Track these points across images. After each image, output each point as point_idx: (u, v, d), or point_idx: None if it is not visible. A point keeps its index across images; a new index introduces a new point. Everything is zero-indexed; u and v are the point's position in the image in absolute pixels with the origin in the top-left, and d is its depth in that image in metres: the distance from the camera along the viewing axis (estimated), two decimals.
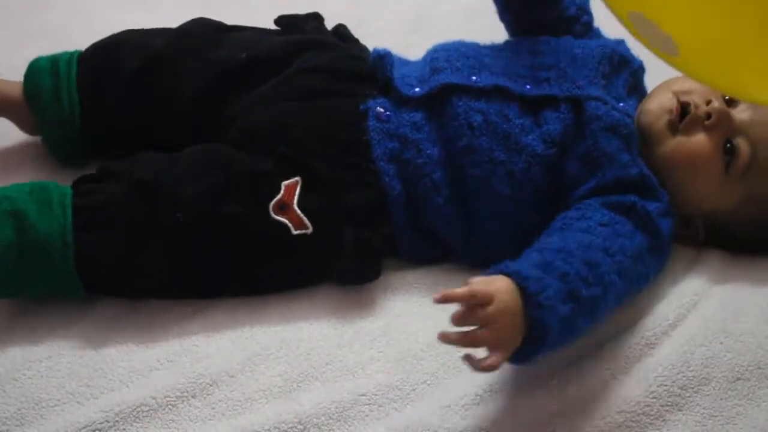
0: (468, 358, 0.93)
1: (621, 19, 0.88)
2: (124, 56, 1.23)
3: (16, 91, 1.24)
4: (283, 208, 1.11)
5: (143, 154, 1.16)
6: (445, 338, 0.94)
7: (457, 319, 0.94)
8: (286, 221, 1.11)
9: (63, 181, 1.14)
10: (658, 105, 1.18)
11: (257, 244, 1.11)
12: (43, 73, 1.23)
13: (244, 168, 1.13)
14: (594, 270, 1.02)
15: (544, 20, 1.30)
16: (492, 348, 0.94)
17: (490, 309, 0.94)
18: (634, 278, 1.08)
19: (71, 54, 1.25)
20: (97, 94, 1.22)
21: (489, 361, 0.93)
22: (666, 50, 0.84)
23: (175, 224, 1.09)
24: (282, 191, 1.12)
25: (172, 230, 1.09)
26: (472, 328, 0.94)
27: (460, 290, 0.94)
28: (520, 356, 0.98)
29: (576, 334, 1.03)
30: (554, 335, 0.97)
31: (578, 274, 1.00)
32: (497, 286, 0.96)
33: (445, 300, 0.93)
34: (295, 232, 1.11)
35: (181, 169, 1.13)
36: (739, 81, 0.86)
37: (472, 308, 0.94)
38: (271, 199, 1.11)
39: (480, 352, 0.94)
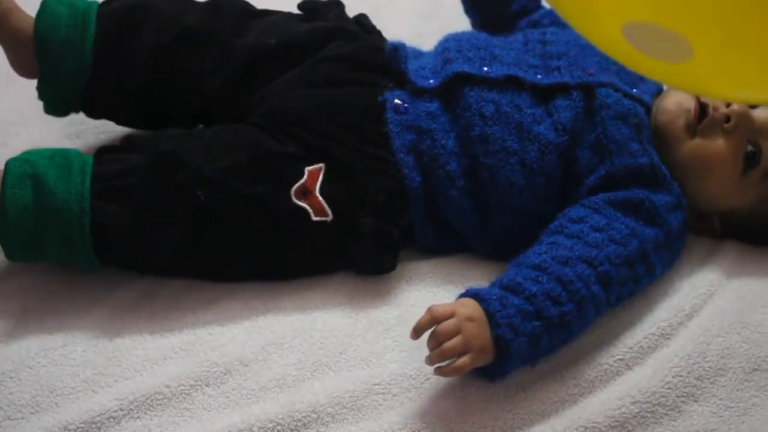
0: (438, 369, 1.00)
1: (602, 41, 0.83)
2: (149, 26, 1.20)
3: (28, 26, 1.19)
4: (305, 193, 1.11)
5: (167, 129, 1.15)
6: (429, 361, 1.01)
7: (430, 344, 1.01)
8: (307, 207, 1.11)
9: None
10: (675, 104, 1.17)
11: (276, 228, 1.10)
12: (59, 20, 1.18)
13: (269, 149, 1.12)
14: (567, 287, 1.04)
15: (520, 13, 1.32)
16: (461, 354, 1.00)
17: (452, 321, 1.00)
18: (629, 282, 1.09)
19: (89, 5, 1.21)
20: (113, 60, 1.19)
21: (456, 363, 1.00)
22: (674, 57, 0.80)
23: (194, 200, 1.09)
24: (305, 176, 1.11)
25: (190, 206, 1.09)
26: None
27: (423, 318, 1.01)
28: (493, 372, 1.03)
29: (551, 346, 1.05)
30: (519, 350, 1.01)
31: (547, 294, 1.03)
32: (455, 304, 1.02)
33: (416, 333, 1.01)
34: (315, 219, 1.11)
35: (205, 146, 1.12)
36: (754, 82, 0.82)
37: (437, 332, 1.00)
38: (294, 184, 1.11)
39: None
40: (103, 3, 1.23)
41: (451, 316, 1.00)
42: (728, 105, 1.14)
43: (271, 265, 1.13)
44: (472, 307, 1.01)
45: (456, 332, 1.00)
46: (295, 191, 1.11)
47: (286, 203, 1.10)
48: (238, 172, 1.10)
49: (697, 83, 0.83)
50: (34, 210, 1.07)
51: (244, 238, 1.11)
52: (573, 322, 1.05)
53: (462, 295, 1.04)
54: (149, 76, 1.20)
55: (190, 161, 1.10)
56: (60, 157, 1.10)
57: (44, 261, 1.12)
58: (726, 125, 1.14)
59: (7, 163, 1.10)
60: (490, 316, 1.01)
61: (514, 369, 1.03)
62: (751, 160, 1.14)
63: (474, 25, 1.36)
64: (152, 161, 1.10)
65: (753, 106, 1.16)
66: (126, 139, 1.15)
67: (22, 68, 1.23)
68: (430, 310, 1.01)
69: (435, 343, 1.00)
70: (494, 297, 1.02)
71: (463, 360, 0.99)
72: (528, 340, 1.01)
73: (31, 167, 1.08)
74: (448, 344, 0.99)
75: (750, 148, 1.14)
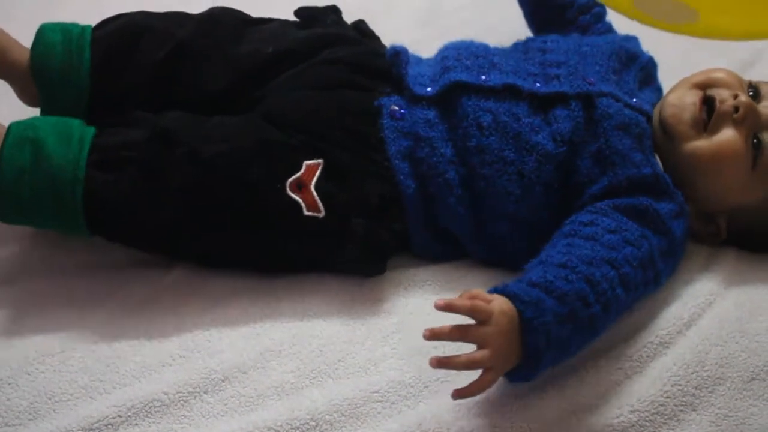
0: (458, 392, 0.96)
1: (618, 5, 0.87)
2: (144, 44, 1.21)
3: (25, 58, 1.21)
4: (300, 187, 1.11)
5: (172, 110, 1.15)
6: (442, 364, 0.96)
7: (452, 334, 0.96)
8: (300, 200, 1.10)
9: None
10: (679, 98, 1.17)
11: (266, 217, 1.10)
12: (53, 48, 1.20)
13: (271, 138, 1.12)
14: (595, 288, 1.02)
15: (560, 6, 1.33)
16: (486, 369, 0.96)
17: (489, 329, 0.96)
18: (641, 285, 1.08)
19: (83, 29, 1.23)
20: (111, 80, 1.20)
21: (482, 383, 0.96)
22: (682, 19, 0.85)
23: (188, 179, 1.09)
24: (303, 170, 1.11)
25: (184, 184, 1.09)
26: (469, 349, 0.96)
27: (463, 302, 0.96)
28: (517, 376, 1.00)
29: (576, 350, 1.04)
30: (550, 357, 1.00)
31: (578, 294, 1.01)
32: (496, 305, 0.97)
33: (447, 308, 0.95)
34: (306, 213, 1.10)
35: (207, 129, 1.13)
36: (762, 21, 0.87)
37: (467, 326, 0.96)
38: (290, 176, 1.11)
39: (472, 375, 0.97)
40: (96, 26, 1.24)
41: (488, 321, 0.96)
42: (735, 97, 1.14)
43: (257, 254, 1.13)
44: (505, 314, 0.97)
45: (487, 344, 0.95)
46: (291, 184, 1.11)
47: (279, 194, 1.10)
48: (236, 157, 1.10)
49: (710, 35, 0.91)
50: (29, 172, 1.08)
51: (234, 221, 1.10)
52: (598, 325, 1.03)
53: (496, 290, 1.00)
54: (148, 92, 1.20)
55: (189, 139, 1.10)
56: (63, 125, 1.11)
57: (36, 225, 1.13)
58: (735, 115, 1.13)
59: (11, 125, 1.11)
60: (526, 321, 0.97)
61: (541, 373, 1.01)
62: (757, 150, 1.14)
63: (530, 25, 1.38)
64: (151, 136, 1.11)
65: (755, 100, 1.16)
66: (129, 116, 1.15)
67: (29, 99, 1.25)
68: (473, 301, 0.95)
69: (456, 338, 0.95)
70: (532, 301, 0.98)
71: (491, 377, 0.96)
72: (559, 345, 1.00)
73: (33, 131, 1.10)
74: (476, 356, 0.95)
75: (755, 140, 1.14)
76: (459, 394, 0.96)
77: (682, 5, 0.83)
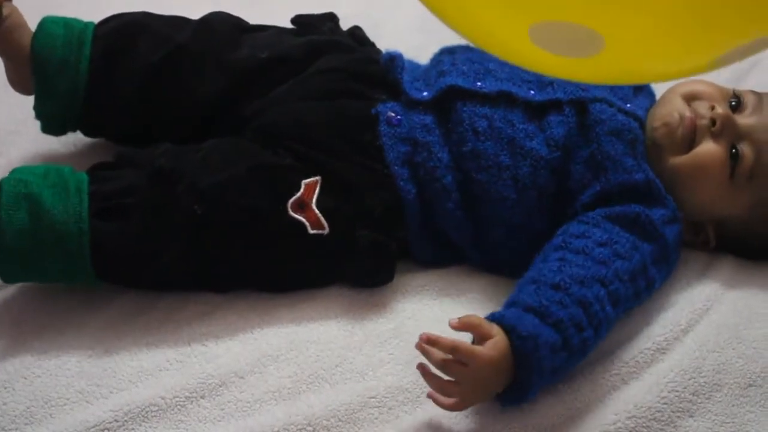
0: (432, 395, 0.98)
1: (507, 46, 0.80)
2: (142, 45, 1.21)
3: (27, 44, 1.20)
4: (302, 206, 1.11)
5: (162, 144, 1.15)
6: (422, 371, 0.99)
7: (434, 361, 0.98)
8: (304, 220, 1.10)
9: (77, 167, 1.13)
10: (669, 113, 1.17)
11: (272, 241, 1.10)
12: (55, 40, 1.20)
13: (265, 162, 1.12)
14: (588, 310, 1.03)
15: None
16: (456, 398, 0.98)
17: (466, 371, 0.97)
18: (631, 298, 1.09)
19: (85, 25, 1.22)
20: (108, 80, 1.20)
21: (448, 405, 0.98)
22: (584, 52, 0.76)
23: (192, 216, 1.09)
24: (302, 189, 1.11)
25: (189, 221, 1.09)
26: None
27: (445, 340, 0.97)
28: (507, 400, 1.01)
29: (565, 373, 1.05)
30: (541, 384, 1.01)
31: (572, 320, 1.02)
32: (484, 354, 0.97)
33: (428, 342, 0.98)
34: (311, 232, 1.10)
35: (201, 160, 1.12)
36: (662, 65, 0.81)
37: (450, 361, 0.97)
38: (291, 197, 1.11)
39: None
40: (99, 24, 1.24)
41: (469, 362, 0.97)
42: (712, 109, 1.15)
43: (268, 278, 1.13)
44: (491, 361, 0.97)
45: (462, 382, 0.97)
46: (292, 204, 1.11)
47: (282, 216, 1.10)
48: (234, 185, 1.10)
49: (609, 74, 0.83)
50: (30, 231, 1.07)
51: (242, 251, 1.10)
52: (589, 347, 1.04)
53: (494, 318, 1.00)
54: (143, 94, 1.21)
55: (187, 176, 1.10)
56: (54, 176, 1.10)
57: (41, 281, 1.12)
58: (712, 129, 1.14)
59: (1, 182, 1.09)
60: (523, 357, 0.98)
61: (530, 399, 1.02)
62: (734, 160, 1.14)
63: None
64: (151, 178, 1.10)
65: (736, 110, 1.16)
66: (119, 155, 1.15)
67: (19, 85, 1.24)
68: (455, 346, 0.97)
69: (436, 365, 0.98)
70: (530, 335, 0.98)
71: (456, 405, 0.98)
72: (551, 373, 1.01)
73: (25, 187, 1.08)
74: (447, 386, 0.98)
75: (733, 150, 1.14)
76: (430, 396, 0.99)
77: (587, 30, 0.73)
